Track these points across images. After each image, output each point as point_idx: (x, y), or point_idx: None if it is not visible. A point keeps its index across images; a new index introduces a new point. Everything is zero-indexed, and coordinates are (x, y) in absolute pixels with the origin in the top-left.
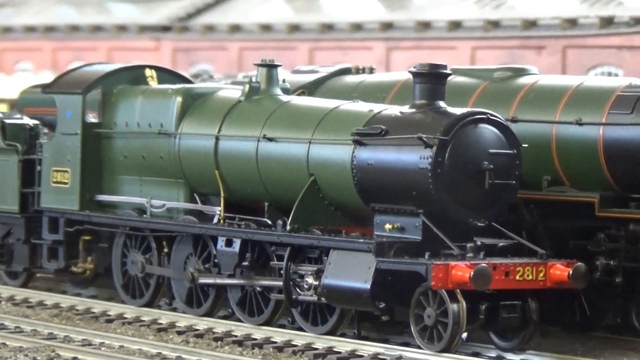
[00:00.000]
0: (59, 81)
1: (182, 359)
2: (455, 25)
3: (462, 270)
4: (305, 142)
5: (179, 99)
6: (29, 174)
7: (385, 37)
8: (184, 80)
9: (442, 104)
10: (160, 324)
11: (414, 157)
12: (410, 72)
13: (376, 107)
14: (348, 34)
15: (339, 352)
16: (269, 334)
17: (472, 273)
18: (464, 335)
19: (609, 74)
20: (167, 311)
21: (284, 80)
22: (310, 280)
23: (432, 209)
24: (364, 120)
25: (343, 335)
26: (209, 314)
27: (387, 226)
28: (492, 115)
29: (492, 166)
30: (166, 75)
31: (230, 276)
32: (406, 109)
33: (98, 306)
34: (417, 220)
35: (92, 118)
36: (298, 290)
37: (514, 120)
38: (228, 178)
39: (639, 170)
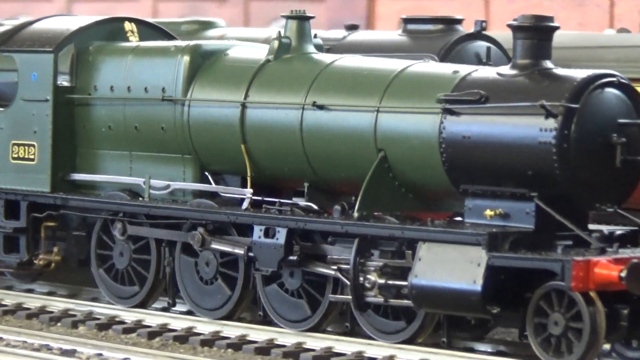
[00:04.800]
0: (17, 37)
1: None
2: None
3: (607, 268)
4: (371, 111)
5: (187, 57)
6: None
7: None
8: (168, 36)
9: (549, 64)
10: None
11: (531, 129)
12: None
13: (462, 68)
14: None
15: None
16: None
17: (625, 271)
18: (606, 346)
19: None
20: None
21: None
22: (373, 277)
23: (551, 192)
24: (450, 84)
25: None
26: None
27: (488, 212)
28: (622, 78)
29: (623, 139)
30: (148, 29)
31: (274, 273)
32: (506, 70)
33: None
34: (527, 205)
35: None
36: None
37: None
38: (258, 153)
39: None
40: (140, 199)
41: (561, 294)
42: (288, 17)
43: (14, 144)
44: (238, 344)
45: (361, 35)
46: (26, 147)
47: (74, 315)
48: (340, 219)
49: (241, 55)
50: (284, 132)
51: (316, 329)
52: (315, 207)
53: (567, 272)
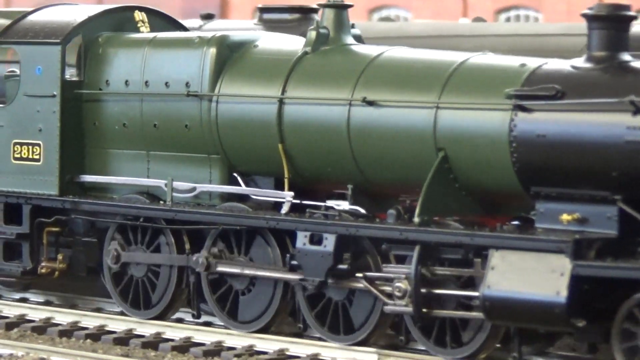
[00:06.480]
0: (18, 27)
1: None
2: None
3: None
4: (429, 107)
5: (213, 49)
6: None
7: None
8: (180, 26)
9: (627, 56)
10: None
11: (617, 127)
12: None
13: (529, 61)
14: None
15: None
16: None
17: None
18: None
19: None
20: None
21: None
22: (402, 285)
23: (638, 195)
24: (519, 77)
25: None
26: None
27: (564, 217)
28: None
29: None
30: (158, 19)
31: (322, 283)
32: (580, 62)
33: None
34: (609, 209)
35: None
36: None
37: None
38: (297, 153)
39: None
40: (162, 202)
41: None
42: (325, 6)
43: (16, 143)
44: (97, 335)
45: (217, 25)
46: (30, 147)
47: None
48: (399, 225)
49: (273, 47)
50: (328, 130)
51: (363, 342)
52: (362, 211)
53: None
